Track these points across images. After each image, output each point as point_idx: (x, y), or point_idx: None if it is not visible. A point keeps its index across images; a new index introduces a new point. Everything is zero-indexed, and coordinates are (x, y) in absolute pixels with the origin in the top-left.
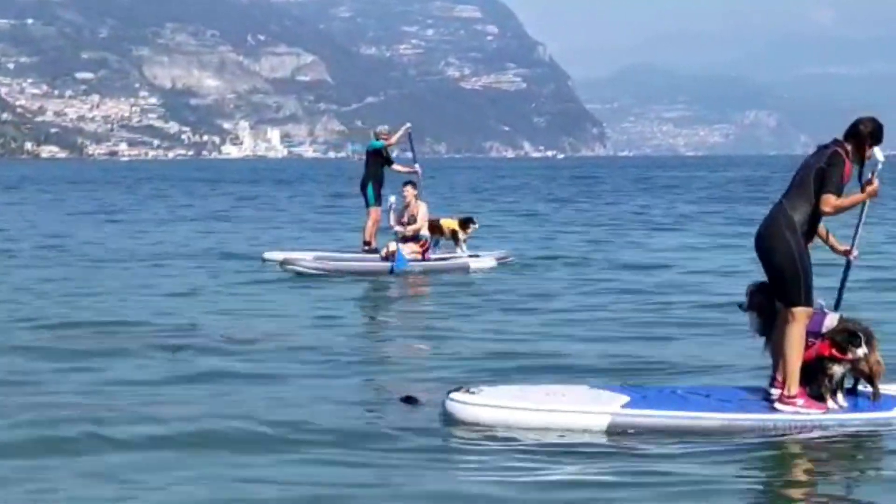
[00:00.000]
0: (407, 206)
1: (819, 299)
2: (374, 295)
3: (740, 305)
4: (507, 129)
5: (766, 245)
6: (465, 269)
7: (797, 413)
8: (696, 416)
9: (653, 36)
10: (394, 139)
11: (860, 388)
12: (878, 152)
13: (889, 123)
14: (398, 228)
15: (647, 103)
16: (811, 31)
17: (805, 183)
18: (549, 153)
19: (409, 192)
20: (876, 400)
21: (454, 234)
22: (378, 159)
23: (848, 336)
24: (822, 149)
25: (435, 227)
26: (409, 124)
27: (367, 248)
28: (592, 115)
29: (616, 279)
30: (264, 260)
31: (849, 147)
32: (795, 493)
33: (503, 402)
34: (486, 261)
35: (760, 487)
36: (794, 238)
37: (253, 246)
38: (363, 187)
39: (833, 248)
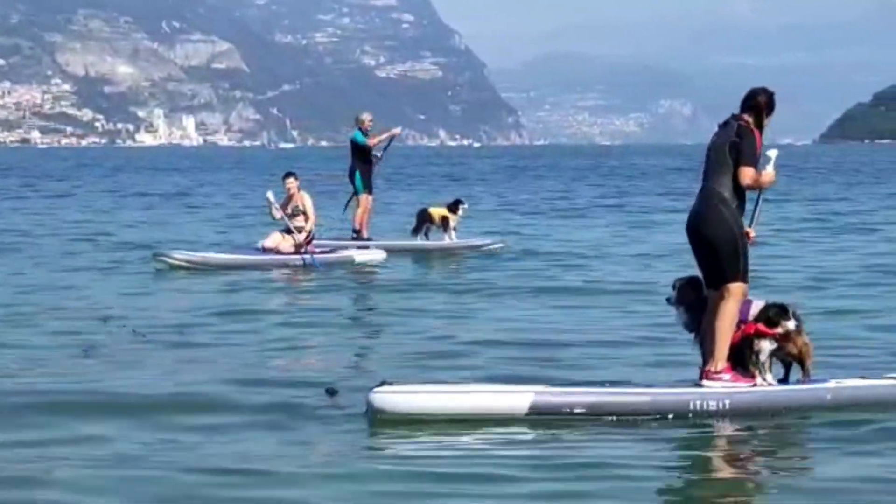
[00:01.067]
0: (290, 197)
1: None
2: (274, 287)
3: (668, 300)
4: (422, 117)
5: (703, 225)
6: (350, 262)
7: (725, 387)
8: (620, 392)
9: (569, 24)
10: (375, 141)
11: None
12: (772, 155)
13: (803, 113)
14: (279, 216)
15: (562, 92)
16: (727, 21)
17: (723, 160)
18: (465, 142)
19: (291, 183)
20: (805, 382)
21: (444, 220)
22: (362, 148)
23: (778, 310)
24: (723, 126)
25: (425, 216)
26: (398, 130)
27: (357, 236)
28: (508, 104)
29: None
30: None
31: (749, 119)
32: (721, 467)
33: (426, 388)
34: (375, 253)
35: (687, 463)
36: (730, 213)
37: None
38: (350, 175)
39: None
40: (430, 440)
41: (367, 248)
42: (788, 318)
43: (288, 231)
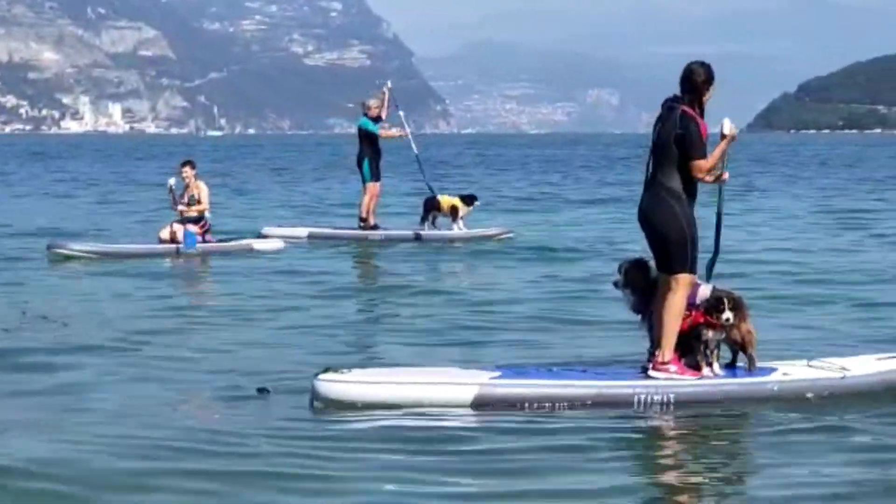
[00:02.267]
0: (187, 186)
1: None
2: (168, 280)
3: (615, 283)
4: (350, 105)
5: (652, 216)
6: (248, 250)
7: (670, 379)
8: (565, 384)
9: (498, 12)
10: (383, 113)
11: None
12: (727, 125)
13: (730, 103)
14: (180, 209)
15: (491, 81)
16: (655, 10)
17: (668, 152)
18: (393, 130)
19: (188, 172)
20: (752, 369)
21: (454, 210)
22: (370, 135)
23: (713, 301)
24: (665, 111)
25: (432, 204)
26: (388, 84)
27: (363, 224)
28: (436, 93)
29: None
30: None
31: (690, 102)
32: (665, 459)
33: (372, 379)
34: (273, 242)
35: (630, 454)
36: (680, 206)
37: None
38: (359, 163)
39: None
40: (374, 426)
41: (365, 238)
42: (722, 310)
43: (185, 221)
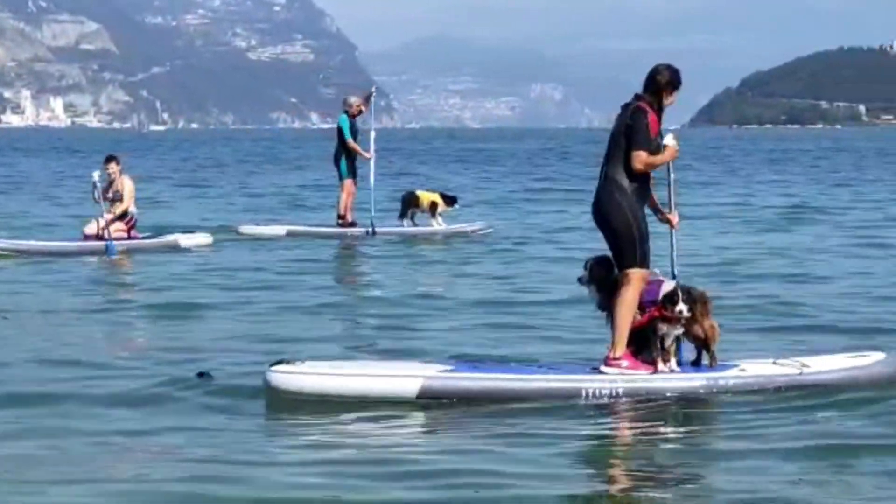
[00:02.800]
0: (111, 182)
1: (655, 268)
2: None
3: (580, 279)
4: (294, 100)
5: (601, 212)
6: (175, 247)
7: (622, 374)
8: (510, 378)
9: (442, 7)
10: (365, 109)
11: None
12: (669, 139)
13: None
14: (112, 210)
15: (434, 76)
16: (597, 6)
17: (618, 145)
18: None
19: (114, 167)
20: (713, 365)
21: (433, 206)
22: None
23: (668, 294)
24: (625, 108)
25: (411, 200)
26: (373, 89)
27: (341, 222)
28: (380, 87)
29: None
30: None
31: (648, 100)
32: (613, 454)
33: (322, 370)
34: (200, 237)
35: (577, 449)
36: (626, 200)
37: None
38: (336, 161)
39: (656, 212)
40: (325, 419)
41: (346, 234)
42: (676, 303)
43: (113, 218)
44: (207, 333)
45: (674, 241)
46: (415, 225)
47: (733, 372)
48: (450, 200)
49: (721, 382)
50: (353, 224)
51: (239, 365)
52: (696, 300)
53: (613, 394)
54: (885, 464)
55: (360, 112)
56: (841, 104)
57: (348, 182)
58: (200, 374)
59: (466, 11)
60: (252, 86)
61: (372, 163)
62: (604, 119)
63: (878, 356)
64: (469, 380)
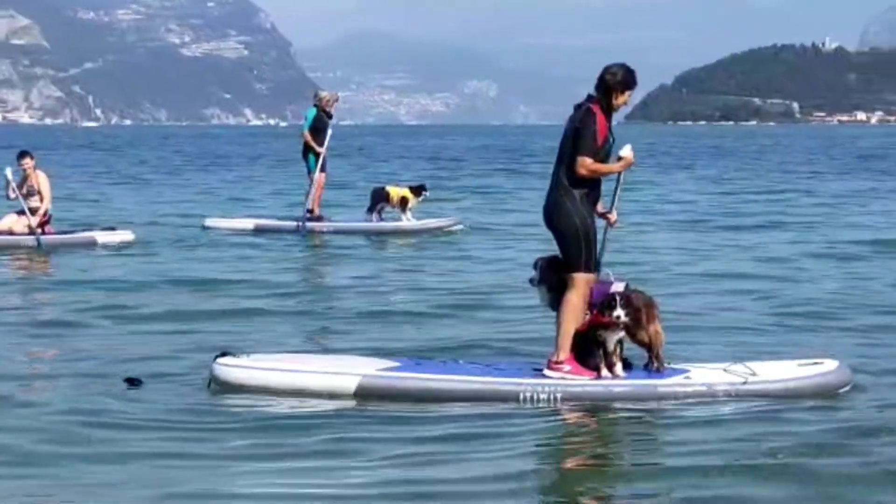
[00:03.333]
0: (26, 178)
1: (607, 269)
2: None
3: (531, 280)
4: (228, 96)
5: (549, 215)
6: (92, 244)
7: (563, 379)
8: (448, 378)
9: (376, 2)
10: (332, 109)
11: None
12: (626, 150)
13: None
14: (13, 196)
15: (369, 72)
16: (532, 2)
17: (567, 149)
18: (271, 121)
19: (28, 163)
20: (660, 370)
21: (403, 201)
22: (314, 128)
23: (606, 300)
24: (577, 108)
25: (381, 195)
26: (338, 94)
27: (310, 216)
28: (315, 83)
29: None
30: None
31: (599, 101)
32: (545, 461)
33: (264, 365)
34: (121, 234)
35: (513, 452)
36: (572, 204)
37: None
38: (304, 155)
39: (595, 212)
40: (259, 412)
41: (307, 228)
42: (614, 309)
43: (23, 212)
44: (145, 331)
45: (606, 237)
46: (381, 220)
47: (677, 379)
48: (417, 190)
49: (662, 390)
50: (320, 218)
51: (182, 359)
52: (640, 305)
53: (552, 398)
54: (817, 475)
55: (330, 113)
56: (774, 101)
57: (318, 176)
58: (129, 381)
59: (397, 7)
60: (186, 82)
61: (321, 158)
62: (539, 115)
63: (831, 365)
64: (405, 379)
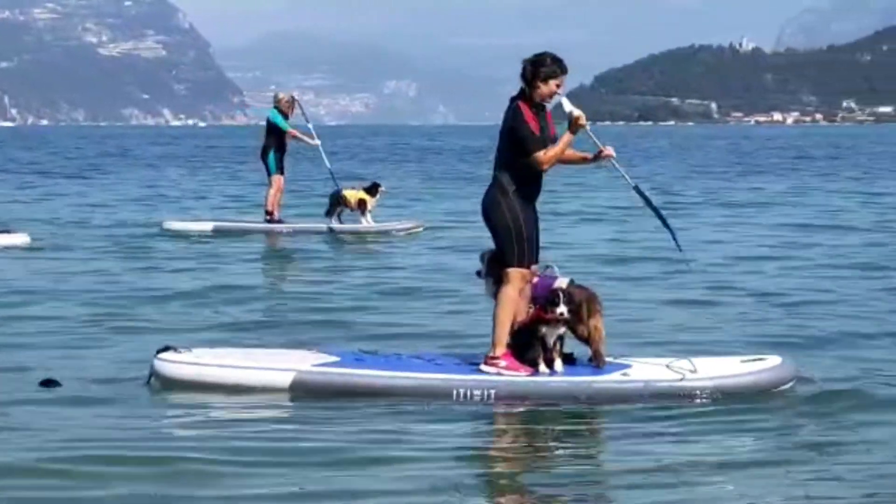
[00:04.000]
0: None
1: (552, 263)
2: None
3: (478, 273)
4: (146, 96)
5: (485, 211)
6: None
7: (500, 374)
8: (382, 374)
9: (295, 2)
10: (290, 112)
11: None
12: (565, 103)
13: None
14: None
15: (288, 72)
16: (451, 2)
17: (503, 148)
18: (190, 121)
19: None
20: (600, 366)
21: (361, 203)
22: (278, 129)
23: (549, 295)
24: (510, 103)
25: (338, 199)
26: (294, 93)
27: (269, 218)
28: (234, 84)
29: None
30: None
31: (525, 95)
32: (482, 454)
33: (203, 360)
34: (16, 237)
35: (446, 448)
36: (505, 201)
37: None
38: (264, 156)
39: (586, 160)
40: (195, 409)
41: (271, 231)
42: (557, 305)
43: None
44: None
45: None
46: (340, 223)
47: (614, 376)
48: (373, 189)
49: (597, 386)
50: (279, 220)
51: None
52: (581, 300)
53: (487, 395)
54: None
55: (286, 114)
56: (693, 101)
57: (276, 177)
58: (46, 382)
59: (317, 7)
60: (103, 82)
61: (325, 159)
62: (458, 115)
63: (774, 360)
64: (340, 375)
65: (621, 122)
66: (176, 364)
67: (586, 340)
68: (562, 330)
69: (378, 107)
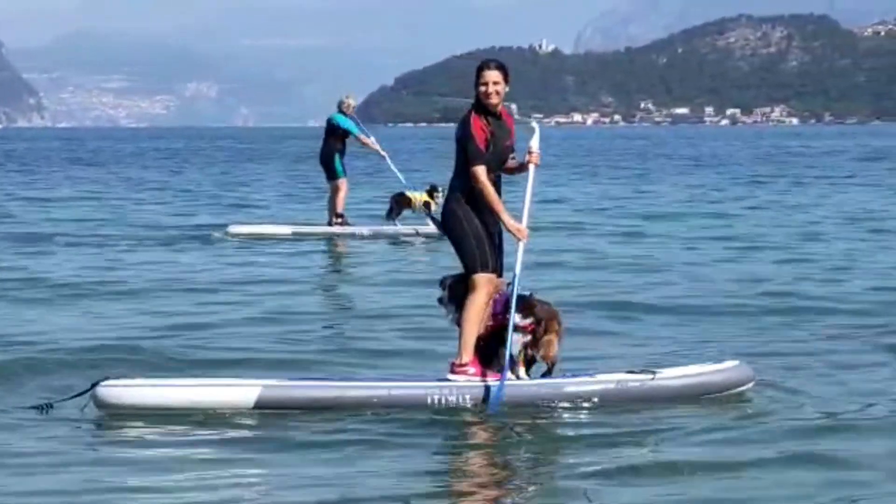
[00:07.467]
0: None
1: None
2: None
3: (440, 300)
4: None
5: (444, 222)
6: None
7: (468, 382)
8: (352, 385)
9: (94, 2)
10: (366, 141)
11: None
12: (534, 141)
13: (327, 95)
14: None
15: (87, 73)
16: (253, 3)
17: (457, 156)
18: None
19: None
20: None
21: (427, 205)
22: (344, 132)
23: (506, 303)
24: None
25: (402, 201)
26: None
27: (340, 220)
28: (30, 85)
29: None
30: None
31: (474, 103)
32: (452, 465)
33: (152, 381)
34: None
35: (420, 455)
36: (460, 208)
37: None
38: (328, 159)
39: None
40: (155, 433)
41: (351, 234)
42: (509, 312)
43: None
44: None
45: (520, 253)
46: (395, 225)
47: (584, 379)
48: (432, 193)
49: (562, 391)
50: (347, 223)
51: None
52: (542, 316)
53: (463, 402)
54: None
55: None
56: None
57: (342, 180)
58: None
59: (116, 7)
60: None
61: (392, 167)
62: (260, 117)
63: (731, 363)
64: (310, 389)
65: (423, 124)
66: (124, 389)
67: (540, 354)
68: (527, 339)
69: (178, 109)
